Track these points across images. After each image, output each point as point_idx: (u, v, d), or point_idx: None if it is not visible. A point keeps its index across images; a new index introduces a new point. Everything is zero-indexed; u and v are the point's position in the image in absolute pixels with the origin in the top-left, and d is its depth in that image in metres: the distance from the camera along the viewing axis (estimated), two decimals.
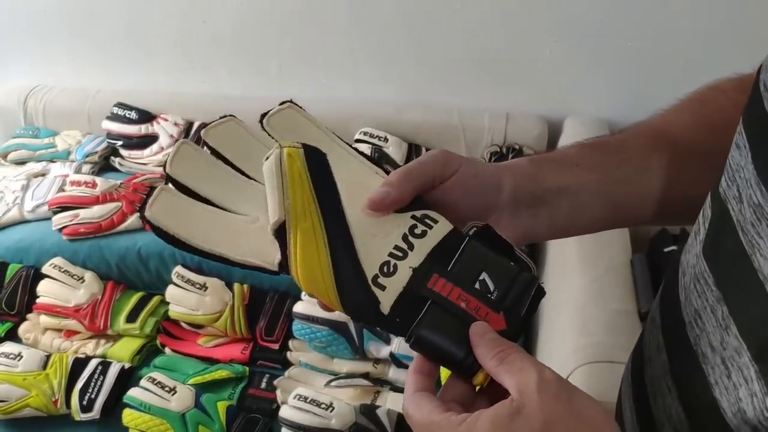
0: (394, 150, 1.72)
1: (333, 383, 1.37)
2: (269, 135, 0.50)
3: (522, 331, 0.43)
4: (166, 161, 0.48)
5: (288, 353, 1.47)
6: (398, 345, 1.39)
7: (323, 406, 1.28)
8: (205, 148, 0.50)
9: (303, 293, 1.45)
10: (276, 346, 1.49)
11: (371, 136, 1.74)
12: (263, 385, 1.44)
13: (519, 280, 0.43)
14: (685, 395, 0.44)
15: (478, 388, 0.42)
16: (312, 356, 1.44)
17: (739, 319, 0.39)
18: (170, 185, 0.48)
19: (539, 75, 1.72)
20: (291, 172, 0.41)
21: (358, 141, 1.74)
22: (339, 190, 0.45)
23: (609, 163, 0.54)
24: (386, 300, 0.43)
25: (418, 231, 0.46)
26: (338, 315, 1.39)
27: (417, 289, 0.43)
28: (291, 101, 0.52)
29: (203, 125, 1.79)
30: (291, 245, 0.43)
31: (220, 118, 0.51)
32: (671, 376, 0.45)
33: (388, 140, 1.73)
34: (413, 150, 1.74)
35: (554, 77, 1.72)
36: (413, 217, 0.46)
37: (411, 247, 0.45)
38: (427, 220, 0.46)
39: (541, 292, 0.44)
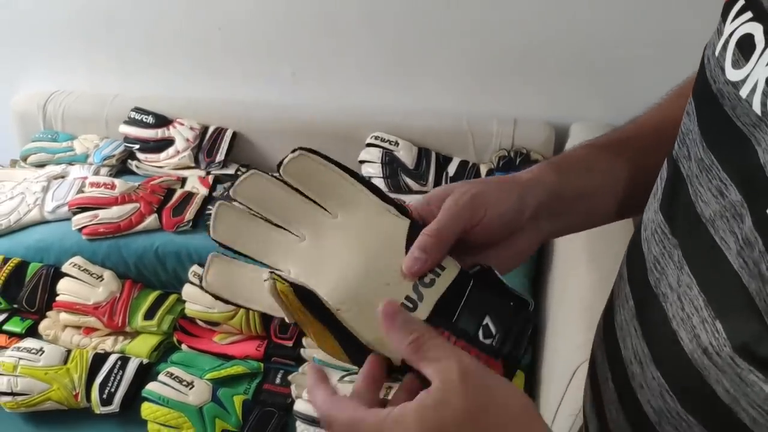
0: (405, 153, 1.76)
1: (346, 378, 1.41)
2: (288, 182, 0.53)
3: (516, 371, 0.47)
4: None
5: (302, 350, 1.51)
6: None
7: None
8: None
9: None
10: (290, 343, 1.53)
11: (382, 140, 1.78)
12: (278, 380, 1.47)
13: (518, 322, 0.47)
14: (649, 332, 0.48)
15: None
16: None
17: (690, 258, 0.44)
18: (217, 252, 0.53)
19: (546, 81, 1.77)
20: (288, 303, 0.44)
21: (369, 145, 1.78)
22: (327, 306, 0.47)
23: (618, 164, 0.59)
24: (397, 355, 0.45)
25: (427, 280, 0.48)
26: None
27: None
28: (301, 148, 0.54)
29: (218, 129, 1.83)
30: (306, 333, 0.47)
31: (243, 173, 0.54)
32: (637, 320, 0.50)
33: (398, 144, 1.77)
34: (423, 154, 1.78)
35: (561, 84, 1.76)
36: None
37: (420, 297, 0.47)
38: (435, 268, 0.49)
39: (532, 326, 0.48)
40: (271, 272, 0.44)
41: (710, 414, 0.42)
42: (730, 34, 0.42)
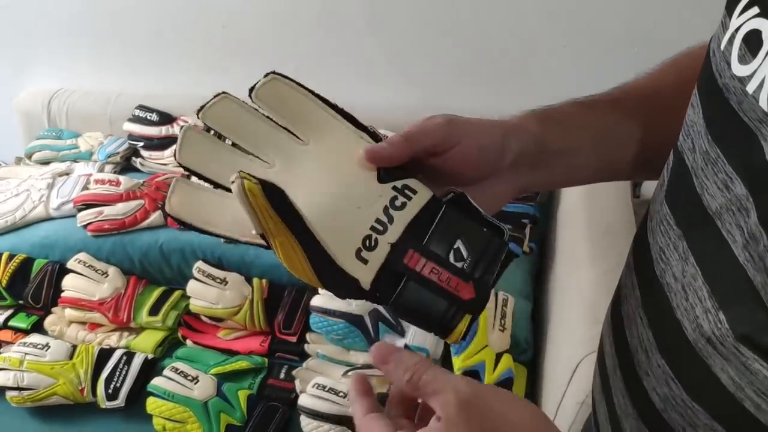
0: None
1: (350, 373, 1.42)
2: (260, 108, 0.52)
3: (488, 296, 0.46)
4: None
5: (305, 345, 1.52)
6: (413, 337, 1.43)
7: (341, 394, 1.32)
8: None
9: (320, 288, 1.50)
10: (294, 339, 1.54)
11: (385, 137, 1.79)
12: (282, 375, 1.48)
13: (491, 247, 0.47)
14: (654, 321, 0.49)
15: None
16: (329, 348, 1.49)
17: (695, 249, 0.45)
18: (182, 175, 0.51)
19: (548, 79, 1.78)
20: (256, 204, 0.42)
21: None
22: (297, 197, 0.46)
23: (603, 125, 0.59)
24: (367, 275, 0.46)
25: (398, 203, 0.48)
26: (354, 308, 1.44)
27: (394, 265, 0.46)
28: (274, 72, 0.53)
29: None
30: (273, 248, 0.45)
31: (215, 96, 0.52)
32: (643, 309, 0.51)
33: None
34: None
35: (564, 81, 1.77)
36: (394, 188, 0.48)
37: (391, 220, 0.47)
38: (407, 191, 0.48)
39: (510, 255, 0.47)
40: (240, 171, 0.42)
41: (715, 401, 0.43)
42: (737, 29, 0.42)
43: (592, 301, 1.23)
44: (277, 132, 0.52)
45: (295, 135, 0.52)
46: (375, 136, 0.51)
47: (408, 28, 1.78)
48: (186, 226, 0.49)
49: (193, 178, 0.51)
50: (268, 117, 0.52)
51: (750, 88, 0.40)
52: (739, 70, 0.41)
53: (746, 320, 0.40)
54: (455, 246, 0.46)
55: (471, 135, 0.51)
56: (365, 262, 0.46)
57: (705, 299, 0.43)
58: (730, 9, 0.45)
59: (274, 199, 0.42)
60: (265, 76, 0.52)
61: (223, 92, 0.52)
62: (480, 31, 1.74)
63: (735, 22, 0.43)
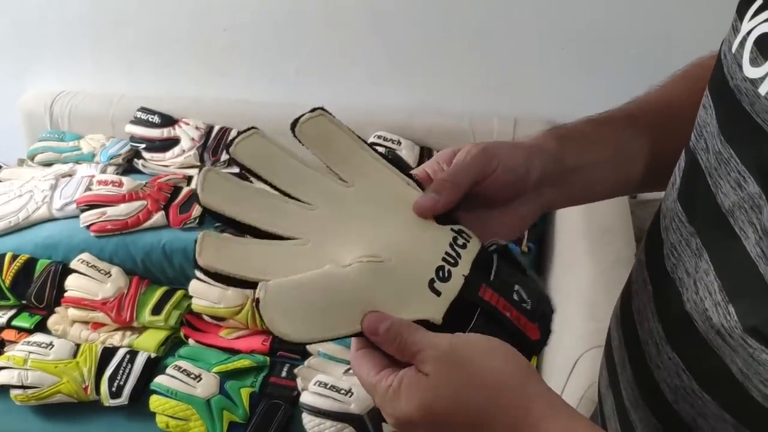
0: (407, 153, 1.79)
1: (351, 371, 1.43)
2: (300, 142, 0.50)
3: (548, 340, 0.46)
4: (196, 186, 0.46)
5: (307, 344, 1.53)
6: None
7: (342, 391, 1.34)
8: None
9: None
10: None
11: (385, 139, 1.81)
12: (284, 373, 1.50)
13: (543, 296, 0.47)
14: (665, 315, 0.50)
15: None
16: (330, 346, 1.50)
17: (709, 246, 0.46)
18: (211, 230, 0.48)
19: (546, 81, 1.80)
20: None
21: (372, 144, 1.81)
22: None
23: (619, 140, 0.60)
24: (440, 307, 0.45)
25: (460, 242, 0.48)
26: None
27: (469, 297, 0.45)
28: (322, 108, 0.51)
29: (223, 129, 1.85)
30: None
31: (244, 131, 0.49)
32: (654, 303, 0.52)
33: (401, 143, 1.80)
34: (425, 153, 1.81)
35: (560, 83, 1.80)
36: (452, 229, 0.49)
37: (459, 255, 0.47)
38: (464, 234, 0.48)
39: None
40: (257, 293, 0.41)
41: (724, 391, 0.44)
42: (748, 32, 0.44)
43: (590, 298, 1.25)
44: (314, 171, 0.49)
45: (335, 174, 0.50)
46: (420, 185, 0.51)
47: (409, 30, 1.80)
48: (228, 281, 0.44)
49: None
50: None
51: (762, 89, 0.41)
52: (750, 72, 0.42)
53: (755, 313, 0.41)
54: (515, 288, 0.46)
55: (503, 160, 0.52)
56: (438, 293, 0.45)
57: (715, 293, 0.44)
58: (741, 13, 0.46)
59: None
60: (312, 110, 0.51)
61: (253, 127, 0.50)
62: (480, 33, 1.76)
63: (746, 25, 0.44)
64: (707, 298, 0.45)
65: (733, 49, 0.45)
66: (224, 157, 1.87)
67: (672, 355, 0.49)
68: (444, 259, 0.46)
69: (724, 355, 0.43)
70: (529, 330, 0.45)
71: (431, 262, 0.46)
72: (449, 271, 0.46)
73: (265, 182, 0.48)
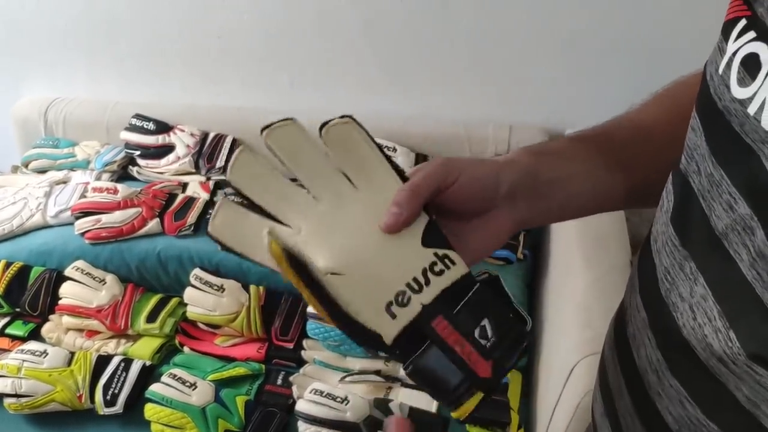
0: (403, 159, 1.79)
1: (347, 378, 1.43)
2: (324, 141, 0.53)
3: (501, 380, 0.48)
4: (226, 168, 0.52)
5: (302, 352, 1.53)
6: None
7: (338, 399, 1.34)
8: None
9: None
10: (291, 346, 1.55)
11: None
12: (279, 381, 1.49)
13: (513, 332, 0.48)
14: (662, 341, 0.50)
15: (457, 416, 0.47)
16: (326, 354, 1.50)
17: (704, 270, 0.46)
18: (228, 197, 0.53)
19: (541, 88, 1.81)
20: (281, 265, 0.45)
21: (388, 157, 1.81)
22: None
23: (596, 155, 0.60)
24: (392, 331, 0.47)
25: (437, 269, 0.49)
26: None
27: (421, 326, 0.47)
28: (352, 117, 0.54)
29: (218, 136, 1.85)
30: (300, 292, 0.47)
31: (281, 120, 0.53)
32: (650, 329, 0.52)
33: (396, 150, 1.80)
34: (421, 160, 1.81)
35: (555, 91, 1.80)
36: (435, 254, 0.50)
37: (427, 282, 0.48)
38: (446, 260, 0.49)
39: (526, 348, 0.49)
40: (270, 231, 0.45)
41: (731, 420, 0.44)
42: (734, 53, 0.44)
43: (585, 305, 1.25)
44: (332, 170, 0.53)
45: (347, 178, 0.53)
46: (426, 207, 0.53)
47: (402, 38, 1.80)
48: (225, 249, 0.50)
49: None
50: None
51: (751, 110, 0.41)
52: (738, 92, 0.43)
53: (757, 338, 0.40)
54: (482, 323, 0.47)
55: (466, 170, 0.53)
56: (393, 316, 0.47)
57: (715, 319, 0.43)
58: (726, 33, 0.46)
59: (296, 266, 0.44)
60: (342, 117, 0.54)
61: (291, 118, 0.53)
62: (475, 40, 1.76)
63: (732, 46, 0.44)
64: (707, 324, 0.44)
65: (720, 70, 0.45)
66: (219, 163, 1.87)
67: (674, 383, 0.48)
68: (408, 285, 0.48)
69: (728, 383, 0.43)
70: (479, 367, 0.46)
71: (394, 286, 0.48)
72: (409, 298, 0.48)
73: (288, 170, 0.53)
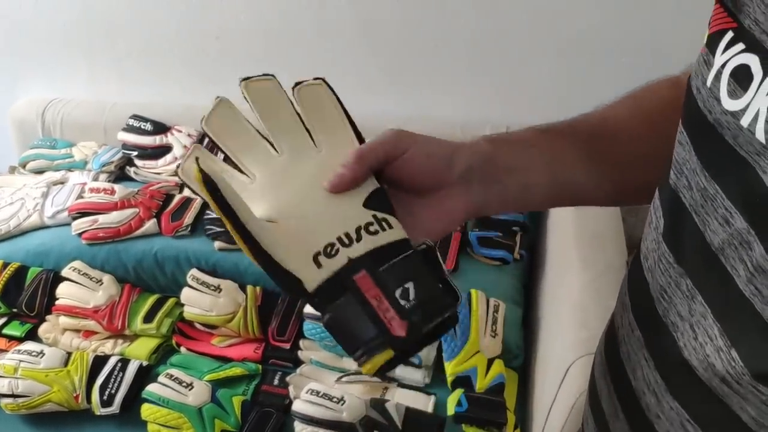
0: None
1: (343, 379, 1.43)
2: (295, 99, 0.55)
3: (420, 345, 0.47)
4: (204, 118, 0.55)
5: (299, 352, 1.53)
6: None
7: (335, 399, 1.33)
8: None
9: None
10: (287, 346, 1.55)
11: None
12: (276, 381, 1.49)
13: (437, 301, 0.47)
14: (660, 362, 0.49)
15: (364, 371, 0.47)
16: (322, 355, 1.50)
17: (702, 288, 0.45)
18: (201, 146, 0.54)
19: (538, 89, 1.81)
20: (202, 191, 0.45)
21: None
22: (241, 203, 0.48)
23: (557, 147, 0.59)
24: (314, 279, 0.47)
25: (372, 229, 0.49)
26: None
27: (343, 278, 0.47)
28: (323, 80, 0.56)
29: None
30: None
31: (262, 75, 0.56)
32: (647, 350, 0.50)
33: None
34: None
35: (553, 91, 1.80)
36: (374, 216, 0.50)
37: (359, 239, 0.49)
38: (383, 223, 0.50)
39: (454, 321, 0.48)
40: (198, 157, 0.46)
41: None
42: (723, 65, 0.43)
43: (581, 305, 1.25)
44: (298, 127, 0.55)
45: (311, 137, 0.55)
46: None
47: (401, 39, 1.81)
48: (192, 190, 0.50)
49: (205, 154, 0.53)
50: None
51: (744, 121, 0.40)
52: (730, 104, 0.42)
53: (760, 357, 0.40)
54: (406, 285, 0.47)
55: (419, 144, 0.54)
56: (319, 266, 0.47)
57: (716, 338, 0.42)
58: (712, 47, 0.45)
59: (212, 190, 0.44)
60: (315, 79, 0.56)
61: (272, 74, 0.56)
62: (473, 42, 1.77)
63: (720, 59, 0.44)
64: (708, 343, 0.43)
65: (709, 83, 0.45)
66: None
67: (674, 405, 0.47)
68: (339, 238, 0.49)
69: (731, 403, 0.42)
70: (394, 324, 0.45)
71: (325, 238, 0.49)
72: (338, 250, 0.48)
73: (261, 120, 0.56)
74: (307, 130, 0.55)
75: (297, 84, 0.55)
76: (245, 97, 0.55)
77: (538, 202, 0.61)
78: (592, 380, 0.63)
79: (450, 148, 0.55)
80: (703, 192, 0.45)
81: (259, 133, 0.56)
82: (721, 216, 0.43)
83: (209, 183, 0.44)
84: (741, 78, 0.42)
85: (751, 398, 0.41)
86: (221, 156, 0.57)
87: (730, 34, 0.44)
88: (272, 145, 0.55)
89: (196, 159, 0.46)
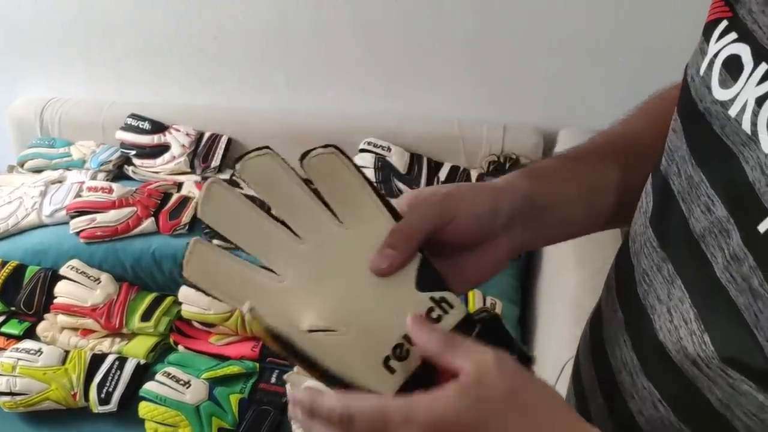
0: (397, 159, 1.79)
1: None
2: (305, 173, 0.49)
3: None
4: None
5: None
6: None
7: None
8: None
9: None
10: None
11: (375, 146, 1.82)
12: (273, 380, 1.50)
13: None
14: (637, 343, 0.49)
15: None
16: None
17: (681, 273, 0.45)
18: (200, 237, 0.48)
19: (535, 88, 1.81)
20: (266, 341, 0.41)
21: (362, 150, 1.82)
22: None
23: (591, 176, 0.59)
24: (391, 386, 0.43)
25: (434, 315, 0.46)
26: None
27: (420, 377, 0.43)
28: (335, 147, 0.50)
29: (213, 135, 1.85)
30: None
31: (257, 149, 0.49)
32: (626, 330, 0.51)
33: (391, 150, 1.81)
34: (415, 159, 1.82)
35: (549, 91, 1.81)
36: (432, 299, 0.46)
37: None
38: (444, 304, 0.46)
39: None
40: (251, 309, 0.39)
41: (704, 422, 0.44)
42: (716, 54, 0.43)
43: (576, 302, 1.25)
44: (315, 204, 0.49)
45: (332, 212, 0.49)
46: None
47: (398, 38, 1.81)
48: (208, 294, 0.45)
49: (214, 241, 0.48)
50: (305, 182, 0.49)
51: (732, 111, 0.41)
52: (720, 94, 0.42)
53: (731, 342, 0.40)
54: None
55: (465, 206, 0.50)
56: (392, 371, 0.43)
57: (691, 321, 0.43)
58: (707, 35, 0.46)
59: (282, 344, 0.40)
60: (325, 146, 0.50)
61: (267, 147, 0.49)
62: (470, 41, 1.77)
63: (713, 47, 0.44)
64: (682, 326, 0.44)
65: (701, 72, 0.45)
66: (214, 163, 1.87)
67: (647, 385, 0.48)
68: (405, 336, 0.44)
69: (702, 386, 0.43)
70: None
71: (390, 339, 0.44)
72: (407, 350, 0.44)
73: (264, 205, 0.48)
74: (326, 205, 0.49)
75: (304, 155, 0.49)
76: (245, 182, 0.48)
77: (576, 232, 0.61)
78: (576, 357, 0.64)
79: (492, 200, 0.52)
80: (689, 179, 0.45)
81: (271, 215, 0.48)
82: (703, 203, 0.43)
83: (282, 339, 0.40)
84: (732, 68, 0.42)
85: (719, 381, 0.41)
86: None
87: (724, 23, 0.44)
88: (287, 227, 0.48)
89: (252, 311, 0.39)
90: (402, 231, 0.48)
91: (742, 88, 0.40)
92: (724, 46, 0.43)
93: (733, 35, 0.42)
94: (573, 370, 0.64)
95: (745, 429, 0.41)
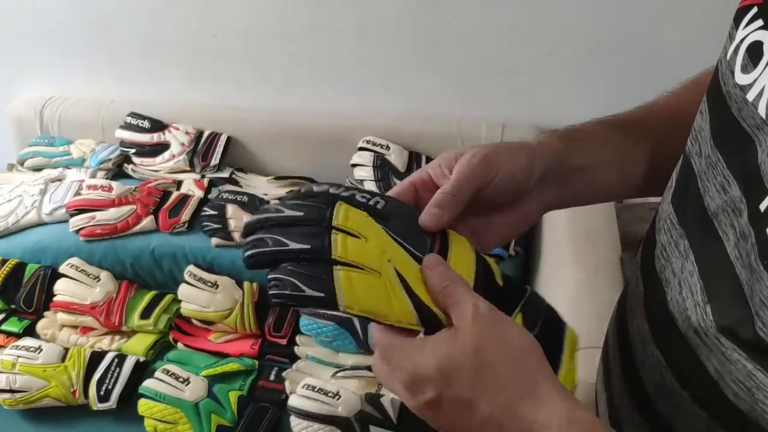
0: (396, 157, 1.80)
1: (339, 374, 1.44)
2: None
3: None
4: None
5: (295, 348, 1.54)
6: None
7: (330, 394, 1.34)
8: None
9: None
10: (284, 341, 1.56)
11: (374, 144, 1.82)
12: (272, 377, 1.50)
13: (560, 329, 0.52)
14: (651, 314, 0.52)
15: None
16: (318, 350, 1.51)
17: (695, 248, 0.47)
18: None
19: (534, 87, 1.82)
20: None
21: (361, 149, 1.82)
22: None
23: (626, 143, 0.61)
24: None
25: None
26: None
27: None
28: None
29: (213, 134, 1.85)
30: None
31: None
32: (644, 303, 0.54)
33: (390, 148, 1.81)
34: (414, 158, 1.82)
35: (548, 89, 1.81)
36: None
37: None
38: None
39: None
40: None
41: (701, 389, 0.46)
42: (742, 40, 0.45)
43: (575, 300, 1.26)
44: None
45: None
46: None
47: (396, 37, 1.81)
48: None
49: None
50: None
51: (750, 96, 0.42)
52: (741, 78, 0.44)
53: (728, 313, 0.42)
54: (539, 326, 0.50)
55: (505, 165, 0.53)
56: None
57: (696, 293, 0.45)
58: (737, 20, 0.47)
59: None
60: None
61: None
62: (468, 40, 1.77)
63: (741, 33, 0.46)
64: (689, 298, 0.46)
65: (728, 56, 0.47)
66: (214, 162, 1.87)
67: (655, 353, 0.50)
68: None
69: (701, 354, 0.45)
70: None
71: None
72: None
73: None
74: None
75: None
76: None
77: (604, 196, 0.63)
78: (608, 327, 0.66)
79: (528, 157, 0.54)
80: (707, 159, 0.47)
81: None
82: (719, 183, 0.45)
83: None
84: (754, 54, 0.43)
85: (714, 350, 0.43)
86: None
87: (754, 10, 0.45)
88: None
89: None
90: (449, 192, 0.50)
91: (761, 73, 0.42)
92: (751, 33, 0.44)
93: (760, 22, 0.44)
94: (604, 341, 0.67)
95: (735, 396, 0.42)
